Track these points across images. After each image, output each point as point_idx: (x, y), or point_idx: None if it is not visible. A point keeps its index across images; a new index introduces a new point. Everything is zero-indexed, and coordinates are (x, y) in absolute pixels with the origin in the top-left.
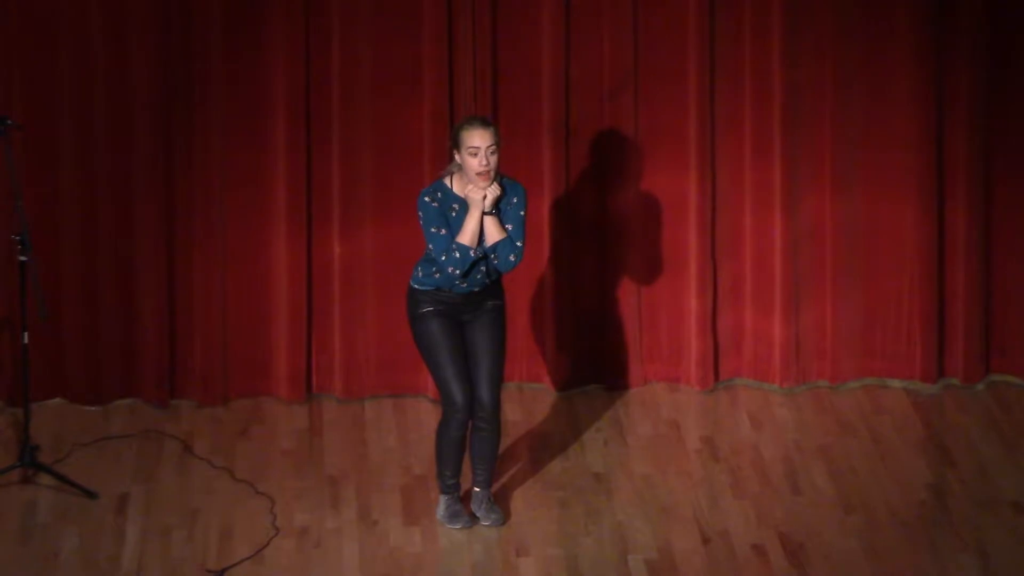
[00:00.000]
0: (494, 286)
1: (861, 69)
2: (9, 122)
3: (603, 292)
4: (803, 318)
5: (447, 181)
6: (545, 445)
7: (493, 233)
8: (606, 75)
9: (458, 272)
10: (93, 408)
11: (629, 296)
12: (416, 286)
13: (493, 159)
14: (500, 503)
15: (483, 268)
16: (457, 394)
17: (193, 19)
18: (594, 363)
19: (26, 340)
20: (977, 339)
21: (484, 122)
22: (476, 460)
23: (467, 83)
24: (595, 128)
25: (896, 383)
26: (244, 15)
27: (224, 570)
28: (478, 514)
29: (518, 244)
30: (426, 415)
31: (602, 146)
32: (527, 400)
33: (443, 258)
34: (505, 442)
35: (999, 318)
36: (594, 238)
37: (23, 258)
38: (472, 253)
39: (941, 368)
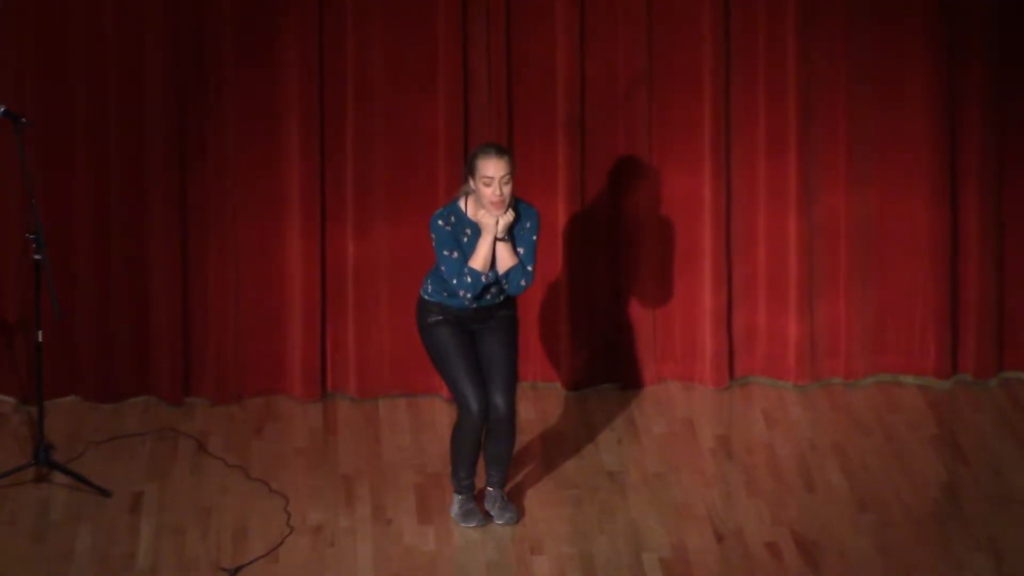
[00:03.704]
0: (505, 299)
1: (875, 67)
2: (23, 120)
3: (617, 290)
4: (817, 316)
5: (461, 204)
6: (559, 444)
7: (505, 259)
8: (621, 73)
9: (469, 295)
10: (107, 406)
11: (643, 294)
12: (427, 297)
13: (507, 189)
14: (514, 502)
15: (492, 290)
16: (472, 401)
17: (206, 19)
18: (608, 362)
19: (40, 338)
20: (990, 335)
21: (499, 151)
22: (491, 461)
23: (481, 82)
24: (610, 126)
25: (909, 380)
26: (258, 14)
27: (238, 568)
28: (492, 513)
29: (528, 269)
30: (440, 414)
31: (616, 144)
32: (541, 399)
33: (455, 281)
34: (519, 441)
35: (1012, 314)
36: (608, 236)
37: (37, 257)
38: (483, 279)
39: (954, 364)
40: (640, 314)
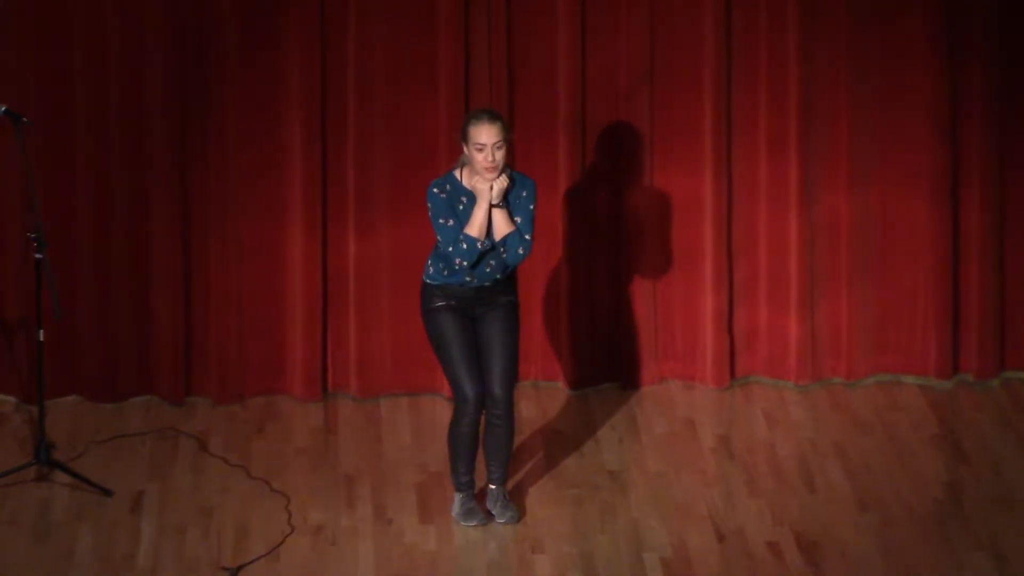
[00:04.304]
0: (507, 282)
1: (876, 66)
2: (25, 120)
3: (618, 290)
4: (818, 315)
5: (457, 173)
6: (560, 443)
7: (501, 226)
8: (622, 73)
9: (466, 264)
10: (108, 406)
11: (644, 294)
12: (428, 281)
13: (499, 154)
14: (515, 501)
15: (491, 262)
16: (468, 389)
17: (208, 17)
18: (609, 361)
19: (41, 338)
20: (991, 335)
21: (491, 116)
22: (490, 456)
23: (483, 81)
24: (611, 126)
25: (911, 380)
26: (260, 13)
27: (239, 568)
28: (493, 511)
29: (527, 237)
30: (441, 414)
31: (618, 143)
32: (542, 398)
33: (450, 249)
34: (520, 440)
35: (1013, 314)
36: (609, 236)
37: (38, 256)
38: (479, 245)
39: (956, 364)
40: (641, 313)
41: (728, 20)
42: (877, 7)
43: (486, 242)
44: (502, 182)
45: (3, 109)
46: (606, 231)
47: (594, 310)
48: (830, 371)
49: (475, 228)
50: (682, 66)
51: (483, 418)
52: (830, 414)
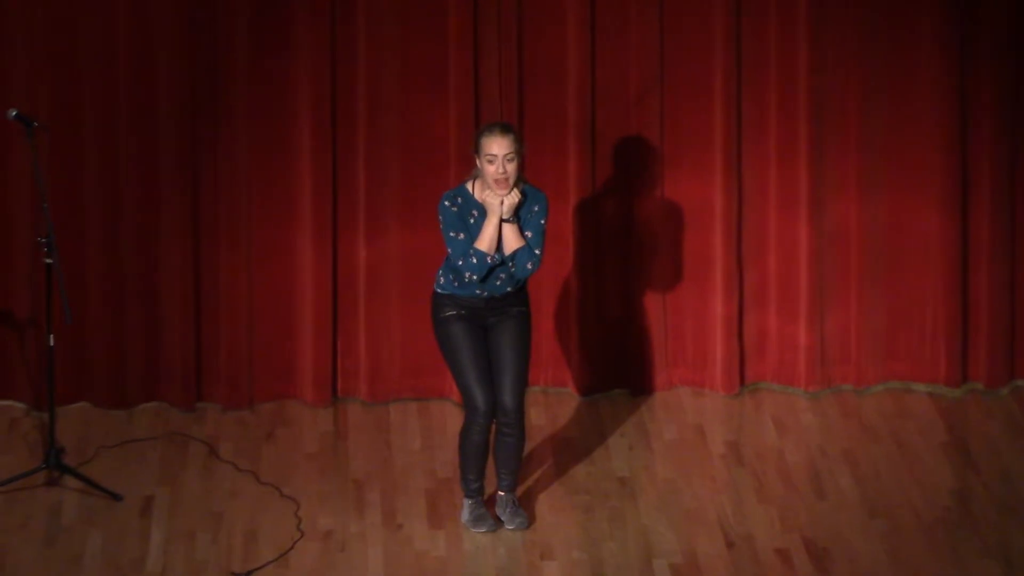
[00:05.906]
0: (518, 293)
1: (886, 74)
2: (36, 124)
3: (628, 296)
4: (828, 322)
5: (469, 186)
6: (570, 449)
7: (511, 240)
8: (632, 80)
9: (476, 278)
10: (118, 411)
11: (654, 300)
12: (439, 291)
13: (511, 167)
14: (524, 507)
15: (502, 275)
16: (479, 398)
17: (219, 24)
18: (619, 367)
19: (51, 343)
20: (1001, 343)
21: (504, 129)
22: (500, 464)
23: (493, 88)
24: (621, 133)
25: (920, 387)
26: (270, 19)
27: (249, 573)
28: (503, 518)
29: (536, 252)
30: (451, 419)
31: (628, 151)
32: (552, 404)
33: (460, 263)
34: (529, 446)
35: (1023, 323)
36: (619, 243)
37: (49, 261)
38: (489, 260)
39: (965, 372)
40: (651, 320)
41: (738, 28)
42: (887, 15)
43: (496, 257)
44: (513, 197)
45: (14, 113)
46: (616, 238)
47: (604, 316)
48: (839, 378)
49: (485, 242)
50: (692, 74)
51: (493, 426)
52: (839, 421)
